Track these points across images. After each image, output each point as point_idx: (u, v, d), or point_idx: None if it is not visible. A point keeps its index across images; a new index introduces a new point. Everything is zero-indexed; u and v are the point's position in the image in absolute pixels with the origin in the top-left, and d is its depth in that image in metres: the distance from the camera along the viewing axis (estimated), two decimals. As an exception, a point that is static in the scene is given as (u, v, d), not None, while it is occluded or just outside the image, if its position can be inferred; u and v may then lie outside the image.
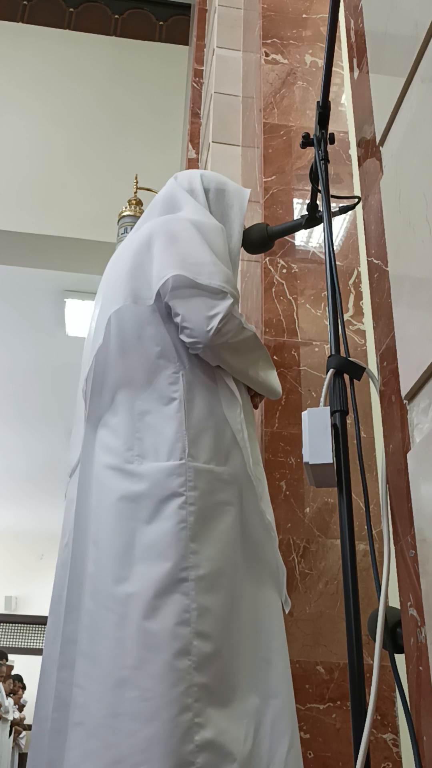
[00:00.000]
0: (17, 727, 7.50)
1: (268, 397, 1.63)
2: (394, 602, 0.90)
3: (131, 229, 2.49)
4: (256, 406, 1.62)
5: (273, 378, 1.59)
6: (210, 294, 1.41)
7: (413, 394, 0.86)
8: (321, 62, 2.48)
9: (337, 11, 1.27)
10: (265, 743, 1.25)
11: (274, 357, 1.96)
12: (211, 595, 1.28)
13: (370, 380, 1.51)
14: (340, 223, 2.21)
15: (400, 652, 0.87)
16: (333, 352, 1.08)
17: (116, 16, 4.52)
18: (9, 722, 7.11)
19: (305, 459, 0.98)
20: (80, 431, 1.48)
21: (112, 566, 1.30)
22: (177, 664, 1.20)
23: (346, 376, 1.06)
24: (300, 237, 2.15)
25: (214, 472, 1.38)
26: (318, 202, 1.58)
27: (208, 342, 1.39)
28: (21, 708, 7.69)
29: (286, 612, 1.44)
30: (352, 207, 1.67)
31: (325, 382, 1.05)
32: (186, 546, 1.29)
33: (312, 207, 1.65)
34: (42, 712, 1.35)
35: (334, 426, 1.01)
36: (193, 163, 3.23)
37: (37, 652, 8.97)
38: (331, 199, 1.27)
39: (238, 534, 1.38)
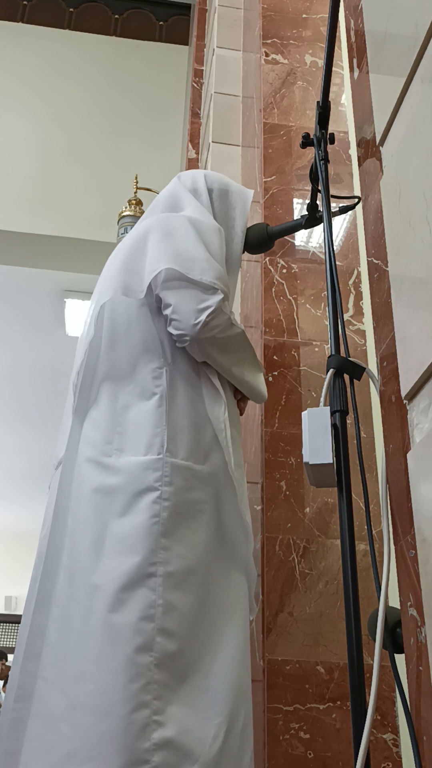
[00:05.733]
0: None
1: (253, 400, 1.62)
2: (394, 602, 0.90)
3: (131, 228, 2.49)
4: (241, 412, 1.61)
5: (259, 380, 1.58)
6: (201, 289, 1.41)
7: (413, 394, 0.86)
8: (321, 62, 2.48)
9: (337, 11, 1.27)
10: (234, 746, 1.23)
11: (274, 357, 1.97)
12: (178, 592, 1.27)
13: (370, 380, 1.51)
14: (340, 223, 2.21)
15: (400, 652, 0.87)
16: (333, 352, 1.08)
17: (116, 16, 4.52)
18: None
19: (305, 459, 0.98)
20: (67, 424, 1.49)
21: (85, 558, 1.30)
22: (137, 659, 1.19)
23: (346, 376, 1.06)
24: (300, 237, 2.15)
25: (192, 469, 1.38)
26: (318, 202, 1.58)
27: (195, 335, 1.39)
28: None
29: (251, 618, 1.43)
30: (352, 207, 1.67)
31: (325, 382, 1.05)
32: (157, 541, 1.28)
33: (312, 207, 1.65)
34: (6, 703, 1.35)
35: (334, 426, 1.01)
36: (193, 163, 3.23)
37: (37, 652, 8.95)
38: (331, 199, 1.27)
39: (213, 534, 1.37)
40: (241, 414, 1.61)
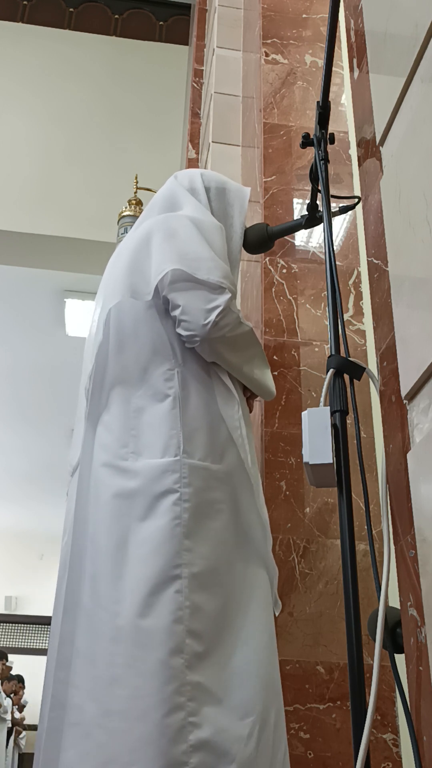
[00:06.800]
0: (17, 727, 7.52)
1: (263, 398, 1.62)
2: (394, 602, 0.90)
3: (131, 228, 2.49)
4: (251, 409, 1.62)
5: (268, 377, 1.58)
6: (209, 288, 1.41)
7: (413, 394, 0.86)
8: (321, 62, 2.48)
9: (337, 11, 1.27)
10: (269, 743, 1.23)
11: (274, 357, 1.96)
12: (203, 593, 1.27)
13: (370, 380, 1.51)
14: (340, 223, 2.21)
15: (400, 652, 0.87)
16: (333, 352, 1.08)
17: (116, 16, 4.52)
18: (7, 722, 7.12)
19: (305, 459, 0.98)
20: (81, 429, 1.48)
21: (108, 564, 1.30)
22: (170, 662, 1.19)
23: (346, 376, 1.06)
24: (300, 237, 2.15)
25: (210, 469, 1.38)
26: (318, 202, 1.58)
27: (205, 335, 1.39)
28: (21, 708, 7.70)
29: (276, 614, 1.43)
30: (352, 207, 1.67)
31: (325, 382, 1.05)
32: (180, 543, 1.28)
33: (312, 207, 1.65)
34: (42, 712, 1.36)
35: (334, 426, 1.01)
36: (193, 163, 3.23)
37: (36, 652, 8.97)
38: (331, 199, 1.27)
39: (233, 532, 1.37)
40: (250, 411, 1.62)
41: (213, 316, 1.38)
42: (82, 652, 1.27)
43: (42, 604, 8.72)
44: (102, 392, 1.49)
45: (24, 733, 7.69)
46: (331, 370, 1.05)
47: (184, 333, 1.41)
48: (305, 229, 1.72)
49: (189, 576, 1.26)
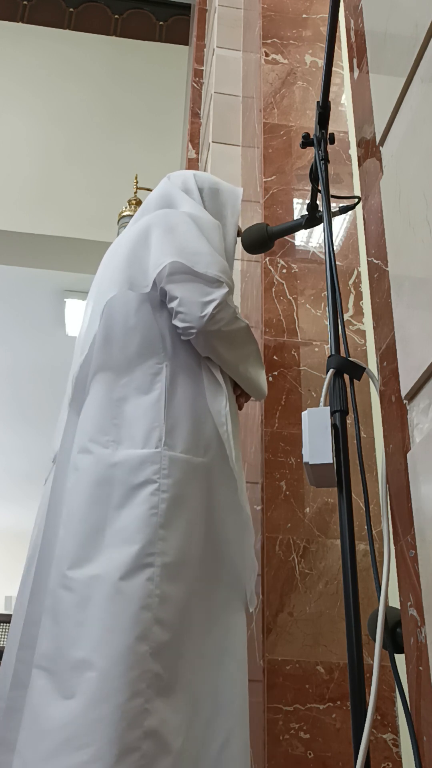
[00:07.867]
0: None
1: (254, 397, 1.63)
2: (394, 602, 0.90)
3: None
4: (240, 407, 1.62)
5: (262, 377, 1.59)
6: (206, 282, 1.42)
7: (413, 394, 0.86)
8: (321, 62, 2.48)
9: (337, 11, 1.27)
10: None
11: (274, 357, 1.97)
12: (173, 583, 1.28)
13: (370, 380, 1.51)
14: (340, 223, 2.21)
15: (400, 652, 0.87)
16: (333, 352, 1.08)
17: (116, 16, 4.52)
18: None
19: (305, 459, 0.98)
20: (63, 416, 1.49)
21: (80, 549, 1.30)
22: (137, 648, 1.20)
23: (346, 376, 1.06)
24: (300, 237, 2.15)
25: (191, 462, 1.38)
26: (318, 202, 1.58)
27: (201, 327, 1.40)
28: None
29: (251, 610, 1.44)
30: (352, 207, 1.67)
31: (325, 382, 1.05)
32: (155, 532, 1.29)
33: (312, 207, 1.65)
34: (1, 693, 1.35)
35: (334, 426, 1.01)
36: (193, 163, 3.23)
37: (37, 652, 8.96)
38: (331, 199, 1.27)
39: (207, 527, 1.38)
40: (240, 409, 1.62)
41: (210, 309, 1.39)
42: (49, 634, 1.27)
43: (42, 604, 8.70)
44: (87, 380, 1.50)
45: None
46: (331, 370, 1.05)
47: (180, 325, 1.42)
48: (305, 229, 1.72)
49: (161, 565, 1.27)
